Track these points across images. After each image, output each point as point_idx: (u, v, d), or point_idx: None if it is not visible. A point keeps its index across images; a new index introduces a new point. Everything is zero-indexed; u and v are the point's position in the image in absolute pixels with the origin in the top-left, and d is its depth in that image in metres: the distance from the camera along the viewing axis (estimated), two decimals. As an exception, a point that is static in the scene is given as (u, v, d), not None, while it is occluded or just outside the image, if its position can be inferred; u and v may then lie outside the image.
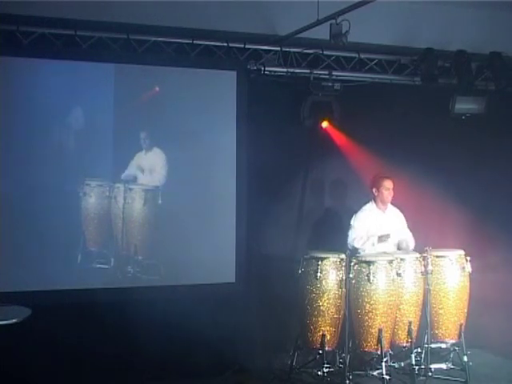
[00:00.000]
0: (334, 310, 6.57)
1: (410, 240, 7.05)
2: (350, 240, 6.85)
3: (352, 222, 6.92)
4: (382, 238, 6.81)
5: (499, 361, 7.31)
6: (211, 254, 6.99)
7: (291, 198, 7.71)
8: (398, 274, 6.61)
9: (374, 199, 7.03)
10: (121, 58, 6.79)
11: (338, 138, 7.60)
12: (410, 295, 6.75)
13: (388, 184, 6.96)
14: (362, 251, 6.78)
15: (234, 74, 7.20)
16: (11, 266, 6.33)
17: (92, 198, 6.81)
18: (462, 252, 6.95)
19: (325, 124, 7.45)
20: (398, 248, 7.07)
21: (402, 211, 7.16)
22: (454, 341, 6.85)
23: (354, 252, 6.75)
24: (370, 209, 7.01)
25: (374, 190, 7.00)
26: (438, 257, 6.86)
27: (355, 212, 7.00)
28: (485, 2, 7.11)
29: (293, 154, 7.55)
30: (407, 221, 7.18)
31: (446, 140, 7.90)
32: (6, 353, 5.84)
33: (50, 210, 6.51)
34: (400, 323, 6.71)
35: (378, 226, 6.91)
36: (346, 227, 7.01)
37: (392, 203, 7.10)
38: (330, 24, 6.20)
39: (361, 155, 7.56)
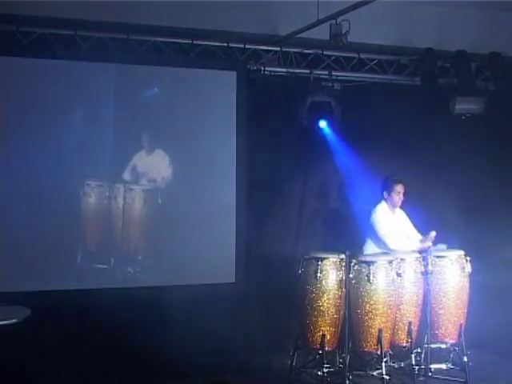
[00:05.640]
0: (333, 310, 6.56)
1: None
2: (384, 237, 6.76)
3: (377, 222, 6.81)
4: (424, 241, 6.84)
5: (499, 361, 7.30)
6: (211, 254, 6.99)
7: (291, 197, 7.71)
8: (398, 274, 6.60)
9: (385, 200, 6.99)
10: (121, 58, 6.80)
11: (337, 138, 7.59)
12: (410, 295, 6.74)
13: (399, 188, 6.92)
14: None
15: (233, 74, 7.21)
16: (11, 266, 6.32)
17: (92, 198, 6.81)
18: (461, 252, 6.94)
19: (323, 124, 7.44)
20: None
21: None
22: (453, 341, 6.85)
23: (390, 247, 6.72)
24: (383, 209, 6.95)
25: (384, 193, 6.96)
26: (437, 257, 6.85)
27: (372, 213, 6.89)
28: (485, 2, 7.11)
29: (293, 154, 7.56)
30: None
31: (445, 140, 7.90)
32: (6, 353, 5.84)
33: (50, 210, 6.51)
34: (400, 323, 6.70)
35: (392, 226, 6.89)
36: (345, 227, 7.02)
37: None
38: (330, 24, 6.21)
39: (360, 155, 7.56)
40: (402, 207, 7.11)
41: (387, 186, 6.96)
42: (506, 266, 7.71)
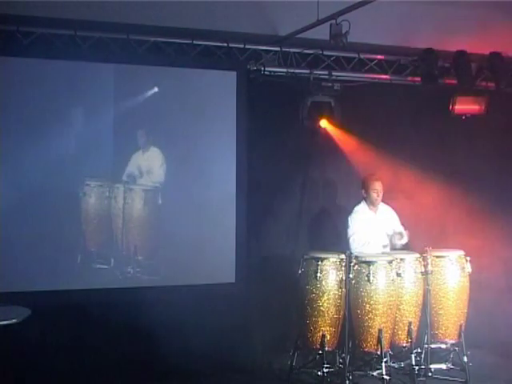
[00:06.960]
0: (333, 310, 6.56)
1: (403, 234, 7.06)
2: (350, 239, 6.85)
3: (349, 223, 6.92)
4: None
5: (499, 361, 7.30)
6: (211, 254, 7.00)
7: (291, 198, 7.71)
8: (398, 274, 6.60)
9: (365, 200, 7.02)
10: (121, 57, 6.80)
11: (338, 138, 7.60)
12: (410, 295, 6.74)
13: (376, 186, 6.93)
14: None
15: (233, 74, 7.21)
16: (11, 266, 6.33)
17: (92, 198, 6.82)
18: (461, 252, 6.95)
19: (323, 124, 7.45)
20: (391, 241, 7.05)
21: (393, 209, 7.14)
22: (453, 341, 6.85)
23: (354, 251, 6.74)
24: (362, 210, 6.98)
25: (363, 191, 6.99)
26: (437, 257, 6.85)
27: (349, 214, 6.97)
28: (484, 2, 7.10)
29: (293, 154, 7.56)
30: (407, 220, 7.17)
31: (445, 140, 7.91)
32: (6, 353, 5.83)
33: (50, 211, 6.52)
34: (400, 323, 6.70)
35: (370, 227, 6.91)
36: (345, 227, 7.01)
37: (388, 202, 7.10)
38: (330, 24, 6.21)
39: (360, 155, 7.56)
40: (388, 204, 7.13)
41: (364, 185, 6.98)
42: (506, 266, 7.72)
